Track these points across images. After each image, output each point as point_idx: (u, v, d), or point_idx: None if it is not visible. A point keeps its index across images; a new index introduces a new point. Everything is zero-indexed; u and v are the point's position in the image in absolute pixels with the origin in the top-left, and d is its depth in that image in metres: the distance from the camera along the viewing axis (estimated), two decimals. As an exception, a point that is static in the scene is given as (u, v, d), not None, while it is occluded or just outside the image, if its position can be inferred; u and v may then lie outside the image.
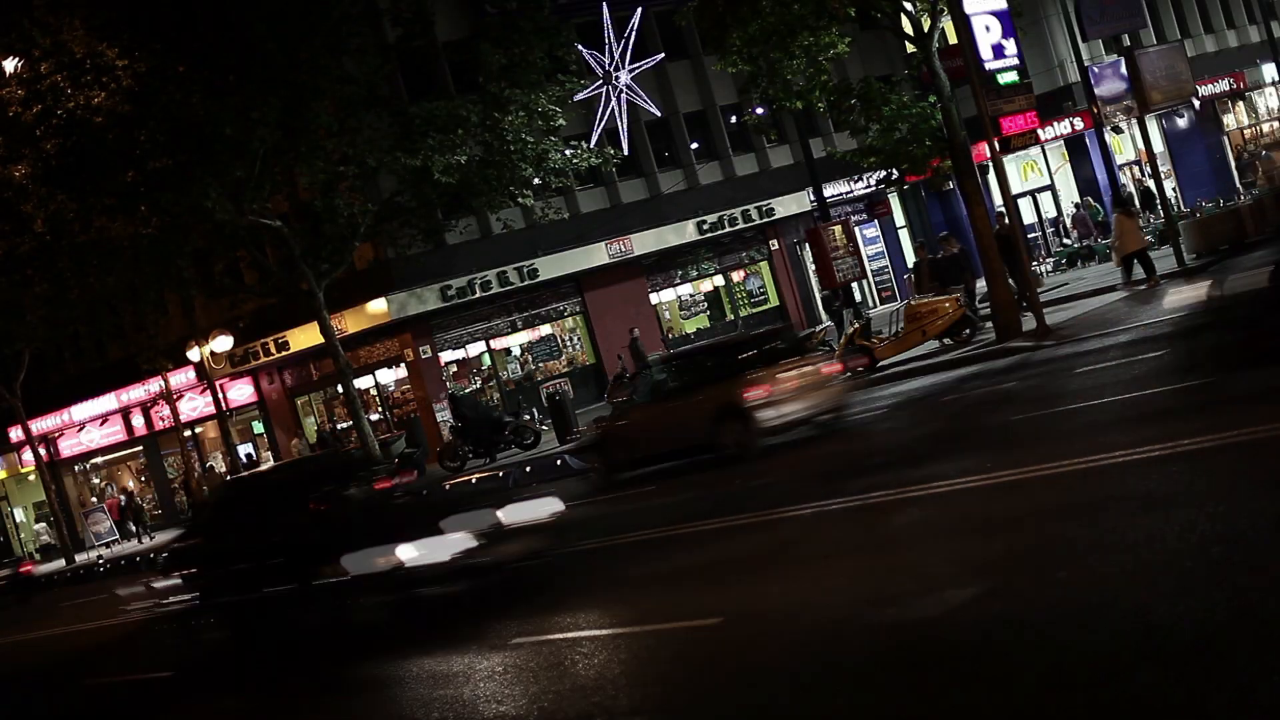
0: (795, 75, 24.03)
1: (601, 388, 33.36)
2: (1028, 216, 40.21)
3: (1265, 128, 45.51)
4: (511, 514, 12.63)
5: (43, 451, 43.52)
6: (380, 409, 36.46)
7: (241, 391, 39.70)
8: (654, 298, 38.21)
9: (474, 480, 25.25)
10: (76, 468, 48.44)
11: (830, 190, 37.08)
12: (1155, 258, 29.52)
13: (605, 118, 36.73)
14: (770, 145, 39.71)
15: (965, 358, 21.85)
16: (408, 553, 11.78)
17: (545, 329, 36.83)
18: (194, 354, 35.03)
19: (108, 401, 43.40)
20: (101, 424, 45.04)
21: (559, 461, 23.65)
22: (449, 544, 11.90)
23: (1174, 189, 39.01)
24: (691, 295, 39.29)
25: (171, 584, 14.84)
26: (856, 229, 37.67)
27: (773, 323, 38.71)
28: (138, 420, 43.37)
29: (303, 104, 27.57)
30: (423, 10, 29.50)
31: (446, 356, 35.33)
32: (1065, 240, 38.22)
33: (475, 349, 35.77)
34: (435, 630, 11.90)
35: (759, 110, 30.34)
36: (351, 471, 15.60)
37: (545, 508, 12.99)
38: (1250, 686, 5.36)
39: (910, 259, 42.97)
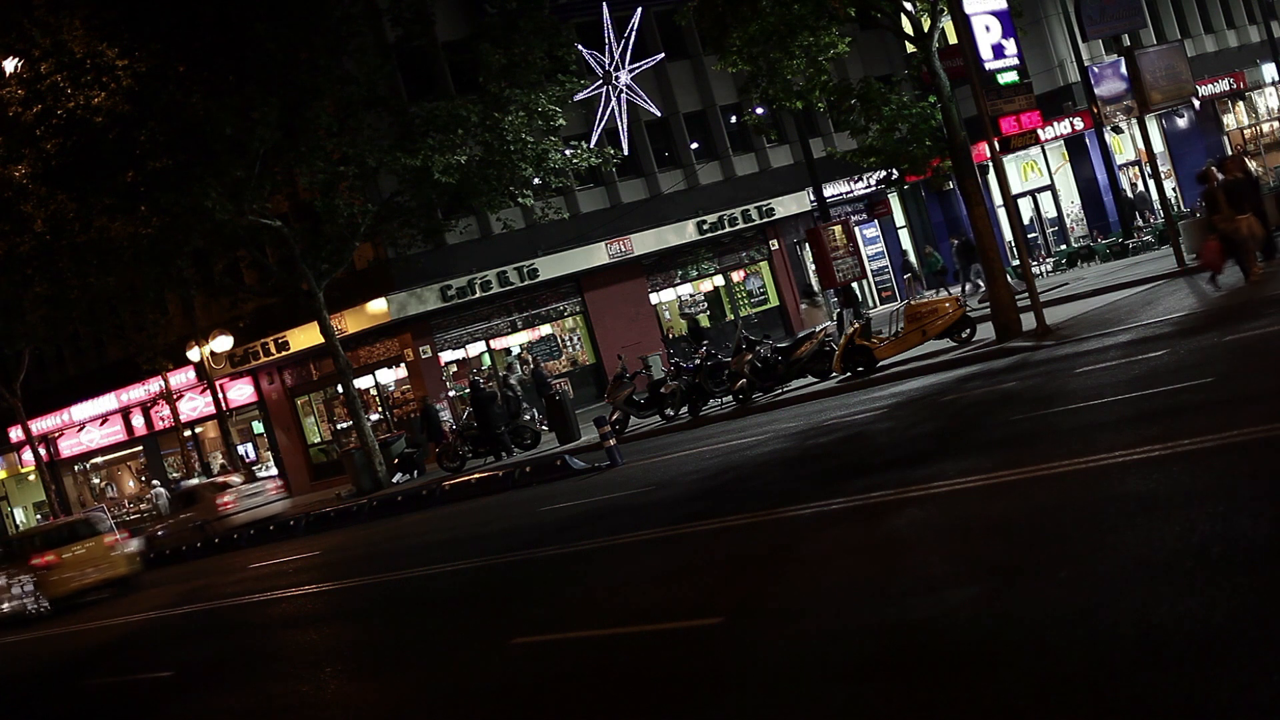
0: (795, 75, 24.03)
1: (601, 388, 33.36)
2: (1028, 216, 40.23)
3: (1265, 128, 45.53)
4: None
5: (43, 451, 43.54)
6: (380, 409, 36.48)
7: (241, 391, 39.72)
8: (654, 298, 38.21)
9: (474, 480, 25.28)
10: (76, 468, 48.45)
11: (830, 190, 37.10)
12: (1156, 257, 29.59)
13: (605, 118, 36.73)
14: (770, 145, 39.72)
15: (965, 358, 21.85)
16: None
17: (545, 329, 36.83)
18: (194, 354, 35.05)
19: (108, 401, 43.42)
20: (101, 424, 45.06)
21: (559, 462, 23.65)
22: None
23: (1174, 189, 39.02)
24: (691, 295, 39.29)
25: None
26: (856, 229, 37.69)
27: (772, 323, 38.72)
28: (138, 420, 43.39)
29: (303, 104, 27.60)
30: (423, 10, 29.53)
31: (446, 356, 35.34)
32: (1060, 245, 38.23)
33: (475, 349, 35.77)
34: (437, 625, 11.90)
35: (759, 110, 30.35)
36: None
37: None
38: (1250, 686, 5.36)
39: (912, 258, 43.01)
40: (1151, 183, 35.85)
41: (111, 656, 16.93)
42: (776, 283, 40.11)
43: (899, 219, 43.57)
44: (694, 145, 39.08)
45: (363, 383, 35.50)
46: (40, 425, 44.55)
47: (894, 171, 24.68)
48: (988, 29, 23.86)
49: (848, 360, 23.74)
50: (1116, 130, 39.06)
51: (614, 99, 37.00)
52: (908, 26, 23.18)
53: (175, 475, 43.31)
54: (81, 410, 44.82)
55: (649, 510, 15.41)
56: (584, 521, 16.06)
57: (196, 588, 22.35)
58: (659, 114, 38.14)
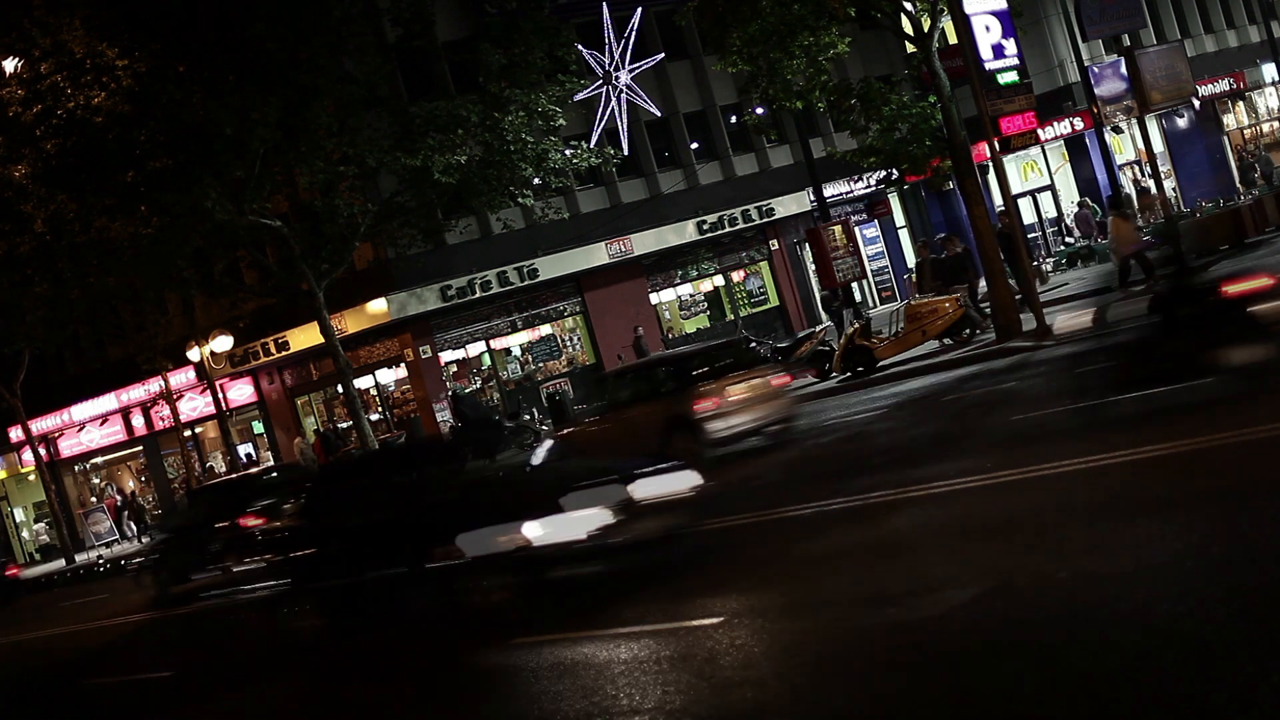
0: (795, 75, 24.03)
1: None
2: (1028, 216, 40.19)
3: (1265, 128, 45.51)
4: (645, 488, 11.43)
5: (43, 451, 43.52)
6: (380, 409, 36.48)
7: (241, 391, 39.71)
8: (654, 298, 38.21)
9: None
10: (76, 468, 48.44)
11: (830, 190, 37.08)
12: (1155, 259, 29.44)
13: (605, 118, 36.73)
14: (770, 145, 39.71)
15: (965, 358, 21.85)
16: (534, 531, 10.73)
17: (545, 329, 36.83)
18: (194, 354, 35.03)
19: (108, 401, 43.41)
20: (101, 424, 45.05)
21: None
22: (580, 521, 10.80)
23: (1174, 189, 39.03)
24: (691, 295, 39.30)
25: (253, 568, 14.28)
26: (856, 229, 37.67)
27: (772, 323, 38.72)
28: (138, 420, 43.38)
29: (303, 104, 27.57)
30: (423, 10, 29.50)
31: (446, 356, 35.34)
32: (1067, 240, 38.23)
33: (475, 349, 35.77)
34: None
35: (759, 110, 30.35)
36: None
37: (681, 481, 11.83)
38: (1250, 686, 5.36)
39: (910, 259, 43.01)
40: (1151, 182, 35.95)
41: (111, 656, 16.92)
42: (776, 283, 40.10)
43: (899, 219, 43.55)
44: (694, 145, 39.07)
45: (363, 383, 35.49)
46: (40, 425, 44.52)
47: (894, 171, 24.69)
48: (988, 29, 23.87)
49: (848, 360, 23.75)
50: (1116, 130, 39.05)
51: (614, 99, 37.00)
52: (908, 26, 23.18)
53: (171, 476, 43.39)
54: (81, 410, 44.81)
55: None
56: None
57: (196, 587, 22.33)
58: (659, 114, 38.14)
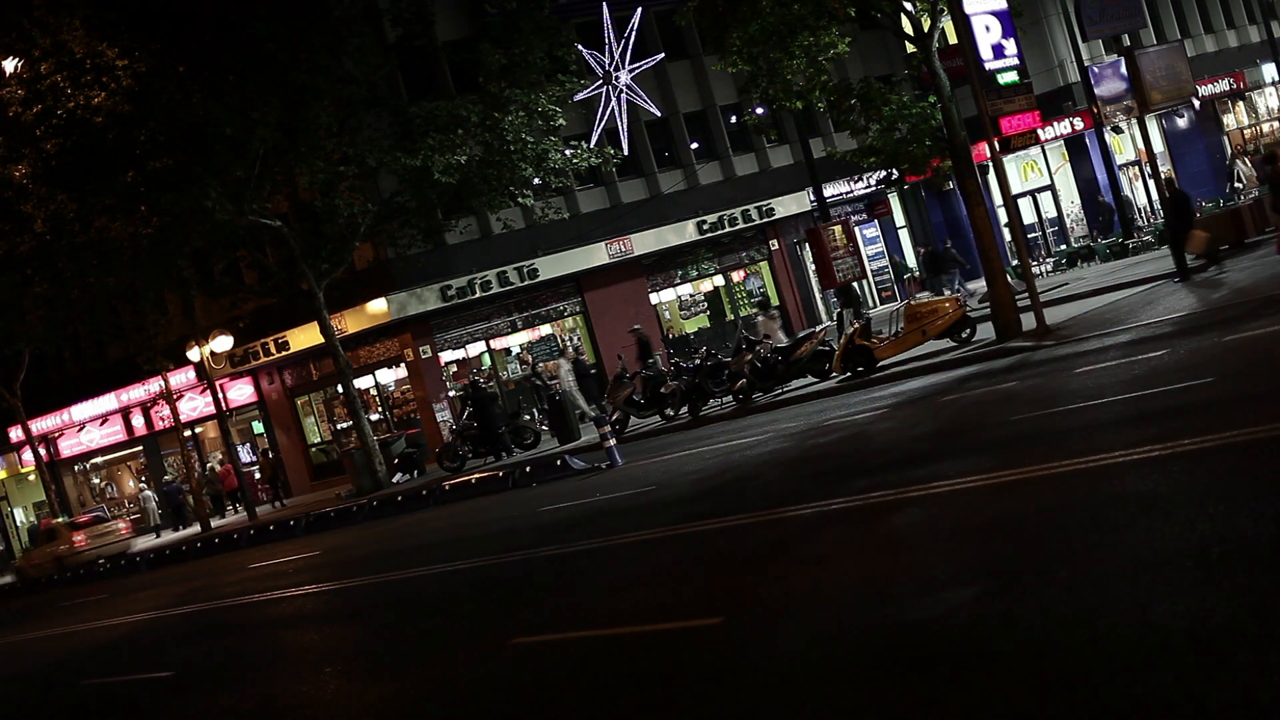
0: (795, 75, 24.03)
1: (602, 388, 33.36)
2: (1028, 216, 40.20)
3: (1265, 128, 45.52)
4: None
5: (43, 451, 43.53)
6: (380, 409, 36.48)
7: (241, 391, 39.72)
8: (654, 298, 38.21)
9: (474, 480, 25.28)
10: (76, 468, 48.45)
11: (830, 190, 37.09)
12: (1156, 257, 29.54)
13: (605, 118, 36.73)
14: (770, 145, 39.72)
15: (965, 358, 21.84)
16: None
17: (545, 329, 36.83)
18: (194, 354, 35.05)
19: (108, 401, 43.42)
20: (101, 424, 45.06)
21: (559, 461, 23.65)
22: None
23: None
24: (691, 295, 39.29)
25: None
26: (856, 229, 37.67)
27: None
28: (138, 420, 43.40)
29: (303, 104, 27.62)
30: (423, 10, 29.54)
31: (446, 356, 35.34)
32: (1075, 239, 38.19)
33: (475, 349, 35.77)
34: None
35: (759, 110, 30.36)
36: None
37: None
38: (1250, 686, 5.36)
39: (910, 258, 43.04)
40: (1144, 184, 36.05)
41: (111, 656, 16.92)
42: (776, 283, 40.11)
43: (899, 219, 43.57)
44: (694, 145, 39.08)
45: (363, 383, 35.50)
46: (40, 425, 44.54)
47: (894, 171, 24.69)
48: (988, 29, 23.88)
49: (848, 360, 23.74)
50: (1116, 130, 39.06)
51: (614, 99, 37.00)
52: (908, 26, 23.19)
53: (168, 476, 43.34)
54: (81, 410, 44.82)
55: (649, 510, 15.41)
56: (584, 521, 16.06)
57: (196, 588, 22.36)
58: (659, 114, 38.14)
